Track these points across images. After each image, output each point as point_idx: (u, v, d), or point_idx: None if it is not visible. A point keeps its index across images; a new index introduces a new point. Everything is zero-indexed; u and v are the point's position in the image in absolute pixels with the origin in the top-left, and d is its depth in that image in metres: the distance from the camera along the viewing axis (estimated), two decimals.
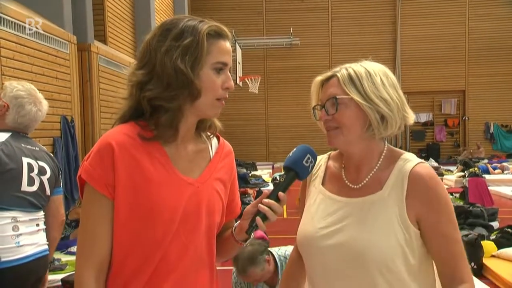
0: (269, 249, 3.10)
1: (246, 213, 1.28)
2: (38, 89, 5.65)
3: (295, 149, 1.30)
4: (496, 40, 18.57)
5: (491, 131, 19.07)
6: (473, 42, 18.75)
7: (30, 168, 2.44)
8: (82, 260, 1.23)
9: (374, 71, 1.31)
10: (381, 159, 1.35)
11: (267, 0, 19.13)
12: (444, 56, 18.76)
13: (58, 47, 6.08)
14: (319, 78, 1.37)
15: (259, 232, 5.59)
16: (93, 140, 7.11)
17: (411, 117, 1.34)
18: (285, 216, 8.59)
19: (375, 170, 1.34)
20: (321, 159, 1.52)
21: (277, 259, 3.04)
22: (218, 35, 1.26)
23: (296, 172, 1.28)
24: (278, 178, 12.03)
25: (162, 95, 1.21)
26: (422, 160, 1.33)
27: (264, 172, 13.88)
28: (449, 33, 18.74)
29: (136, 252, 1.23)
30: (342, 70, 1.33)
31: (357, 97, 1.27)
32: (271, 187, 11.40)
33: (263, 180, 11.83)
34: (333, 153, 1.51)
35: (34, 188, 2.44)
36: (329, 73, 1.35)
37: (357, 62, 1.36)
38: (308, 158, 1.28)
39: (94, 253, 1.22)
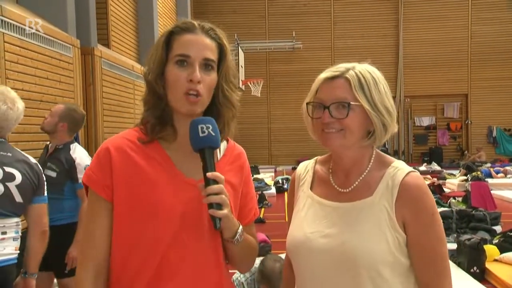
0: None
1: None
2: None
3: (189, 130, 1.23)
4: (499, 44, 18.56)
5: (493, 135, 19.03)
6: (476, 46, 18.74)
7: None
8: (81, 261, 1.27)
9: (378, 78, 1.32)
10: (370, 163, 1.35)
11: (270, 4, 19.18)
12: (447, 60, 18.76)
13: (61, 50, 6.11)
14: (324, 75, 1.33)
15: (261, 236, 5.59)
16: (96, 143, 7.13)
17: (396, 128, 1.35)
18: (287, 219, 8.57)
19: (364, 174, 1.34)
20: (308, 164, 1.51)
21: None
22: (182, 30, 1.27)
23: (205, 148, 1.22)
24: (280, 182, 12.03)
25: (144, 100, 1.32)
26: (413, 169, 1.32)
27: (267, 176, 13.86)
28: (451, 37, 18.74)
29: (136, 253, 1.24)
30: (350, 72, 1.29)
31: (366, 105, 1.27)
32: (273, 190, 11.40)
33: (266, 184, 11.80)
34: (319, 157, 1.50)
35: None
36: (336, 73, 1.31)
37: (358, 63, 1.34)
38: (202, 128, 1.21)
39: (92, 255, 1.25)
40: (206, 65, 1.26)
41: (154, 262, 1.23)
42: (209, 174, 1.19)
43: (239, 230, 1.30)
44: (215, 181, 1.20)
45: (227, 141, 1.42)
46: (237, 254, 1.35)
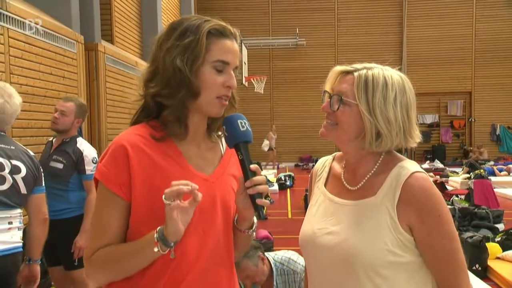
0: (266, 253, 3.10)
1: (238, 202, 1.27)
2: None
3: (225, 127, 1.26)
4: (503, 41, 18.50)
5: (497, 133, 19.00)
6: (479, 43, 18.69)
7: (1, 166, 2.45)
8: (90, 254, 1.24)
9: (393, 84, 1.28)
10: (378, 163, 1.33)
11: (273, 1, 19.15)
12: (451, 58, 18.72)
13: (65, 46, 6.13)
14: (339, 68, 1.35)
15: (264, 232, 5.62)
16: (100, 138, 7.15)
17: (414, 141, 1.31)
18: (289, 216, 8.60)
19: (371, 173, 1.33)
20: (326, 160, 1.52)
21: (272, 265, 3.03)
22: (220, 34, 1.27)
23: (243, 142, 1.25)
24: (283, 178, 12.04)
25: (162, 92, 1.25)
26: (419, 169, 1.29)
27: (269, 172, 13.88)
28: (455, 34, 18.69)
29: None
30: (362, 70, 1.29)
31: (362, 107, 1.26)
32: (275, 187, 11.42)
33: (269, 180, 11.83)
34: (337, 154, 1.50)
35: (5, 186, 2.44)
36: (349, 68, 1.32)
37: (382, 65, 1.32)
38: (241, 123, 1.26)
39: (104, 245, 1.23)
40: (233, 72, 1.30)
41: (175, 258, 1.22)
42: (252, 167, 1.22)
43: (255, 222, 1.35)
44: (254, 173, 1.23)
45: None
46: (240, 244, 1.41)
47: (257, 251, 2.93)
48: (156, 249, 1.14)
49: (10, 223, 2.48)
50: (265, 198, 1.26)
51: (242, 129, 1.25)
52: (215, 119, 1.36)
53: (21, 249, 2.54)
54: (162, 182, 1.21)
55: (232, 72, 1.28)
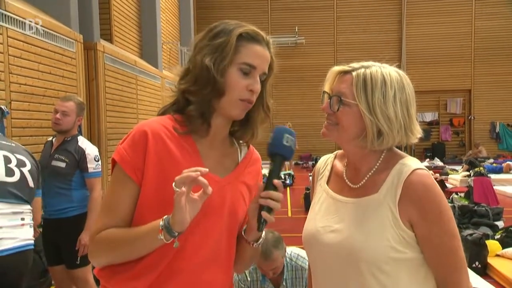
0: None
1: (249, 210, 1.28)
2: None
3: (272, 135, 1.28)
4: (502, 39, 18.49)
5: (496, 131, 19.00)
6: (479, 41, 18.68)
7: (7, 160, 2.44)
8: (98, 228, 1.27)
9: (392, 82, 1.28)
10: (379, 161, 1.34)
11: None
12: (450, 55, 18.71)
13: (64, 45, 6.12)
14: (337, 68, 1.35)
15: None
16: (99, 137, 7.15)
17: (415, 137, 1.32)
18: (289, 215, 8.60)
19: (372, 171, 1.34)
20: (328, 158, 1.53)
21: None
22: (252, 38, 1.30)
23: (281, 155, 1.27)
24: (282, 177, 12.04)
25: (190, 89, 1.29)
26: (420, 166, 1.30)
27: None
28: (455, 32, 18.68)
29: None
30: (360, 70, 1.30)
31: (362, 106, 1.26)
32: None
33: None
34: (339, 152, 1.51)
35: (15, 179, 2.43)
36: (346, 68, 1.33)
37: (379, 63, 1.32)
38: (287, 138, 1.28)
39: (111, 226, 1.26)
40: (260, 77, 1.32)
41: (173, 250, 1.23)
42: (276, 182, 1.24)
43: (263, 235, 1.36)
44: (276, 188, 1.24)
45: (248, 145, 1.46)
46: (246, 256, 1.41)
47: (283, 242, 2.91)
48: (160, 237, 1.15)
49: (22, 219, 2.46)
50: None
51: (285, 143, 1.27)
52: (241, 127, 1.38)
53: (32, 247, 2.53)
54: (173, 174, 1.21)
55: (257, 77, 1.30)
